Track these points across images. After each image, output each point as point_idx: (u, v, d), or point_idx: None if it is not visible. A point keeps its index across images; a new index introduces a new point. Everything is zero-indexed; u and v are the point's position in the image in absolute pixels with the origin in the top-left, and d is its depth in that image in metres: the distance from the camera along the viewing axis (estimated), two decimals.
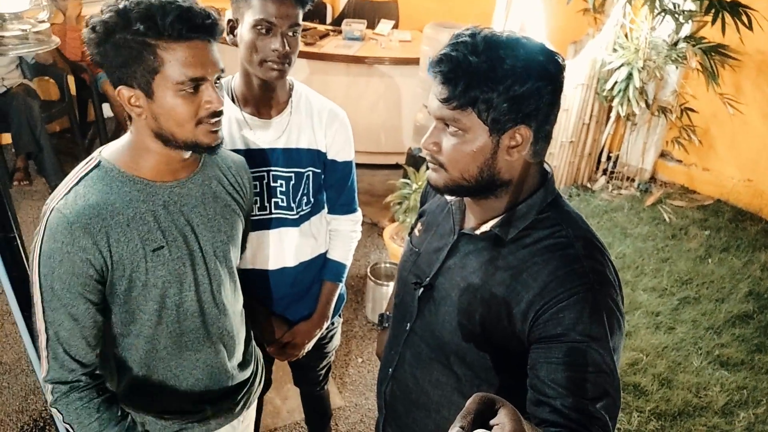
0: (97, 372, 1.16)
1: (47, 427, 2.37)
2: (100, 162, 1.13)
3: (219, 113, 1.10)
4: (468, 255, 1.08)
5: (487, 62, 0.92)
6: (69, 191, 1.09)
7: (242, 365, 1.40)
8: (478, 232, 1.07)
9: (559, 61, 0.98)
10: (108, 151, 1.16)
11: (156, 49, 1.02)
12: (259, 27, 1.36)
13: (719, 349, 2.97)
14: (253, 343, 1.49)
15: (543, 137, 1.00)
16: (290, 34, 1.38)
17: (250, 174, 1.37)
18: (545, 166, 1.07)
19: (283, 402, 2.56)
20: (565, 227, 1.02)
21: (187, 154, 1.17)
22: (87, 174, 1.12)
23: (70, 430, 1.14)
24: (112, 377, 1.24)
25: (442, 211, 1.19)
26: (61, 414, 1.13)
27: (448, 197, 1.14)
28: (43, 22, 1.48)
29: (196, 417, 1.31)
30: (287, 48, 1.38)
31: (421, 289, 1.15)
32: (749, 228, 4.03)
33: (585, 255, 0.99)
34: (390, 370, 1.26)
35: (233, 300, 1.32)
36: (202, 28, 1.04)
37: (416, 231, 1.25)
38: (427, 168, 1.06)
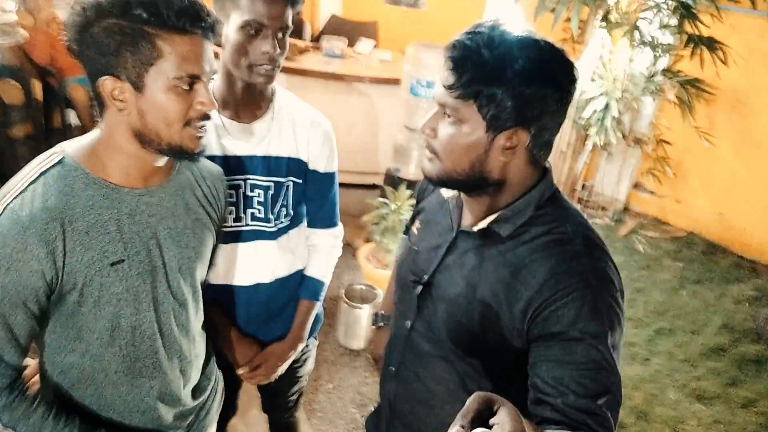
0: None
1: None
2: (63, 159, 1.02)
3: (208, 117, 1.05)
4: (466, 252, 1.07)
5: (498, 58, 0.91)
6: (26, 189, 0.99)
7: (197, 390, 1.29)
8: (475, 228, 1.05)
9: (573, 71, 0.96)
10: (72, 148, 1.05)
11: (155, 39, 0.95)
12: (248, 28, 1.27)
13: (695, 382, 2.95)
14: (213, 365, 1.39)
15: (541, 144, 0.98)
16: (280, 35, 1.31)
17: (226, 186, 1.29)
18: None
19: (248, 429, 2.42)
20: (563, 223, 1.01)
21: (162, 161, 1.08)
22: (47, 170, 1.01)
23: None
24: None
25: (441, 209, 1.17)
26: (2, 420, 1.02)
27: (445, 193, 1.13)
28: (10, 12, 1.38)
29: None
30: (278, 50, 1.30)
31: (420, 287, 1.14)
32: (721, 261, 4.06)
33: (584, 252, 0.98)
34: (392, 368, 1.24)
35: (195, 320, 1.23)
36: (205, 25, 1.00)
37: (414, 229, 1.24)
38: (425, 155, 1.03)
